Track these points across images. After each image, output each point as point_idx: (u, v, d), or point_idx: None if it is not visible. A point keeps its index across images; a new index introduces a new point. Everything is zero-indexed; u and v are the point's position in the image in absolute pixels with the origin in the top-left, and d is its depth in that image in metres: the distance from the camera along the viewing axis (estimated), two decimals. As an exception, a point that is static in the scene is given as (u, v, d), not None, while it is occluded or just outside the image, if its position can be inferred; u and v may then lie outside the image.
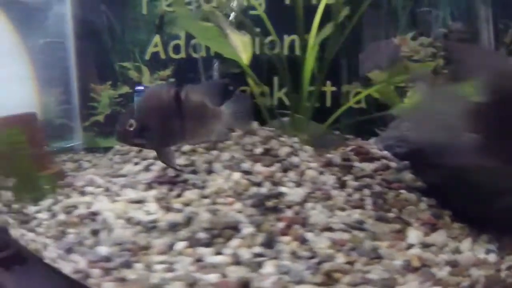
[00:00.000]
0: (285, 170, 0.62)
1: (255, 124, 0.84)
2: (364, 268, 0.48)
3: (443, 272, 0.49)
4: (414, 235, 0.56)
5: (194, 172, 0.65)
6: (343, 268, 0.48)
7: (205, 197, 0.60)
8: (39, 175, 0.81)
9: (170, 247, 0.51)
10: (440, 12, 1.11)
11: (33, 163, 0.95)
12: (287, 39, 1.12)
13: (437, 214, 0.61)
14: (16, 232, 0.64)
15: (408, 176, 0.66)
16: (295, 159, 0.65)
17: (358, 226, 0.55)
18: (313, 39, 0.89)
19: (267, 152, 0.66)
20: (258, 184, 0.59)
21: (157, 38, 1.21)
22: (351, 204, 0.59)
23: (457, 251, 0.55)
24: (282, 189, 0.58)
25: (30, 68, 1.23)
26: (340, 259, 0.49)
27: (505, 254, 0.54)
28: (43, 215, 0.70)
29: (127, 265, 0.49)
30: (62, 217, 0.66)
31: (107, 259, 0.52)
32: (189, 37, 1.19)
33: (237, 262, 0.48)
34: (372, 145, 0.74)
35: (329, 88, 1.07)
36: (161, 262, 0.49)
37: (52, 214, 0.70)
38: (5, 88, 1.12)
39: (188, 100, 0.58)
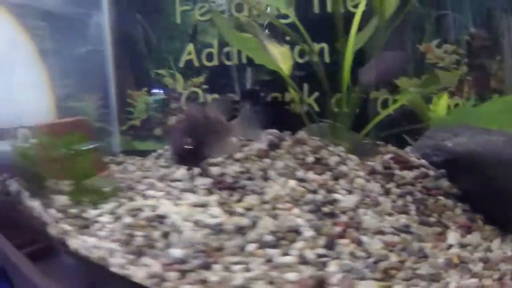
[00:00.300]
0: (336, 178, 0.68)
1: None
2: (414, 266, 0.55)
3: (478, 267, 0.57)
4: (452, 237, 0.63)
5: (250, 179, 0.72)
6: (396, 266, 0.55)
7: (265, 202, 0.66)
8: (99, 178, 0.86)
9: (242, 248, 0.57)
10: (463, 20, 1.18)
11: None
12: (316, 46, 1.17)
13: (471, 218, 0.68)
14: (74, 240, 0.65)
15: (445, 183, 0.73)
16: (344, 168, 0.71)
17: (405, 229, 0.61)
18: (351, 46, 0.93)
19: (318, 161, 0.72)
20: (314, 191, 0.66)
21: (190, 47, 1.27)
22: (397, 210, 0.65)
23: (488, 249, 0.62)
24: (336, 196, 0.64)
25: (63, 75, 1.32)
26: (393, 258, 0.56)
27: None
28: (106, 219, 0.72)
29: (205, 266, 0.54)
30: (127, 220, 0.69)
31: (182, 261, 0.56)
32: (222, 45, 1.26)
33: (304, 262, 0.54)
34: (410, 154, 0.80)
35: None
36: (237, 263, 0.55)
37: (115, 218, 0.72)
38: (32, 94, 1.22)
39: (210, 117, 0.67)
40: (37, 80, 1.20)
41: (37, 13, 1.27)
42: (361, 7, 0.97)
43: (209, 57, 1.26)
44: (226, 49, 1.24)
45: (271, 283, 0.50)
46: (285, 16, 1.16)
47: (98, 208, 0.76)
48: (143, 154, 1.25)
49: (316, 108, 1.16)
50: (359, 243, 0.57)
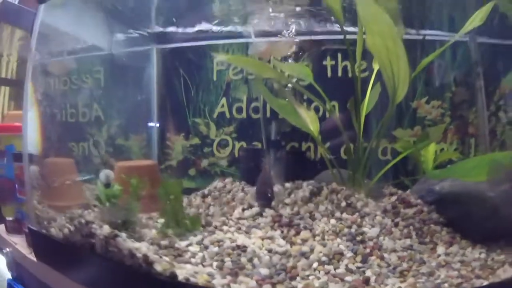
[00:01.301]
0: (362, 217, 1.01)
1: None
2: (418, 268, 0.87)
3: (457, 265, 0.89)
4: (441, 249, 0.95)
5: (301, 218, 1.07)
6: (407, 269, 0.85)
7: (316, 235, 0.98)
8: (185, 215, 1.06)
9: (309, 266, 0.86)
10: (446, 80, 1.58)
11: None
12: (329, 104, 1.53)
13: (452, 236, 1.00)
14: (179, 270, 0.82)
15: (435, 215, 1.07)
16: (366, 209, 1.05)
17: (410, 248, 0.93)
18: (366, 105, 1.26)
19: (348, 205, 1.06)
20: (349, 227, 0.99)
21: (223, 100, 1.63)
22: (403, 236, 1.00)
23: (464, 255, 0.95)
24: (364, 229, 0.99)
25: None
26: (404, 265, 0.87)
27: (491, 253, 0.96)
28: (194, 249, 0.93)
29: (289, 279, 0.82)
30: (215, 249, 0.91)
31: (270, 276, 0.82)
32: (250, 101, 1.61)
33: (350, 271, 0.85)
34: (410, 195, 1.19)
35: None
36: (309, 275, 0.84)
37: (203, 247, 0.94)
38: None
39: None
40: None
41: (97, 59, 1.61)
42: (373, 76, 1.29)
43: (239, 110, 1.61)
44: (253, 104, 1.59)
45: (337, 283, 0.86)
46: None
47: (186, 240, 0.98)
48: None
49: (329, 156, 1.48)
50: (382, 258, 0.89)
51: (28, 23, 1.65)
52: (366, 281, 0.83)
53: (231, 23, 1.55)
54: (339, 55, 1.55)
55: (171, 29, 1.60)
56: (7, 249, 1.34)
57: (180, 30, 1.59)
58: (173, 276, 0.81)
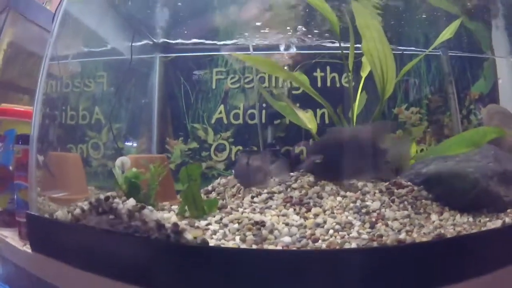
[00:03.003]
0: (363, 194, 1.24)
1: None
2: (419, 231, 1.05)
3: (451, 227, 1.08)
4: (434, 217, 1.12)
5: (310, 198, 1.25)
6: (411, 231, 1.06)
7: (325, 210, 1.19)
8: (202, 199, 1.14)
9: (326, 232, 1.05)
10: (423, 89, 1.85)
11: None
12: (319, 111, 1.78)
13: (442, 208, 1.19)
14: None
15: (424, 193, 1.26)
16: (366, 188, 1.26)
17: (408, 216, 1.12)
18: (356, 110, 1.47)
19: (351, 185, 1.29)
20: (354, 202, 1.21)
21: (221, 107, 1.81)
22: (401, 208, 1.21)
23: (455, 220, 1.13)
24: (367, 203, 1.20)
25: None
26: (408, 228, 1.07)
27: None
28: (214, 227, 1.00)
29: (313, 241, 0.94)
30: (235, 225, 0.98)
31: (293, 243, 0.93)
32: (246, 108, 1.79)
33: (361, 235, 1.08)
34: (400, 179, 1.40)
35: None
36: (327, 239, 1.06)
37: (223, 225, 1.00)
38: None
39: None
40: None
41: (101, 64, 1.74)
42: (362, 82, 1.54)
43: (236, 116, 1.78)
44: (249, 111, 1.78)
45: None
46: (297, 88, 1.81)
47: (205, 219, 1.05)
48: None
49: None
50: (386, 225, 1.04)
51: (35, 16, 1.79)
52: (380, 236, 1.01)
53: (232, 36, 1.74)
54: (328, 68, 1.78)
55: (174, 39, 1.77)
56: (-5, 243, 1.24)
57: (183, 40, 1.76)
58: (205, 242, 0.85)
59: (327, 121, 1.75)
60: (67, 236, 1.02)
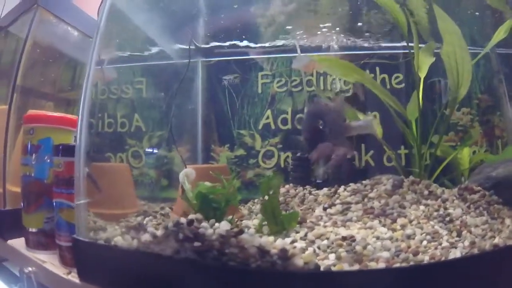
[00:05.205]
0: (443, 201, 1.26)
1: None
2: (499, 235, 1.11)
3: None
4: (508, 221, 1.18)
5: (392, 208, 1.32)
6: (493, 236, 1.10)
7: (411, 221, 1.20)
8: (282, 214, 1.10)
9: (420, 243, 1.03)
10: (473, 88, 1.90)
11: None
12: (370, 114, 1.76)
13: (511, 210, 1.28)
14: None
15: (495, 197, 1.32)
16: (445, 195, 1.28)
17: (487, 222, 1.15)
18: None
19: (430, 193, 1.34)
20: (436, 210, 1.25)
21: (268, 112, 1.83)
22: (477, 214, 1.24)
23: None
24: (449, 211, 1.25)
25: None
26: (489, 234, 1.10)
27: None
28: (301, 244, 0.97)
29: (414, 254, 0.99)
30: (324, 242, 0.98)
31: (392, 258, 0.95)
32: (294, 112, 1.81)
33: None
34: (471, 183, 1.48)
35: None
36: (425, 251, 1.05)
37: (310, 241, 1.00)
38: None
39: None
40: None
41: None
42: (421, 84, 1.56)
43: (284, 121, 1.81)
44: (298, 116, 1.81)
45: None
46: (347, 90, 1.84)
47: (288, 236, 1.03)
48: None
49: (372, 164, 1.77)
50: (470, 232, 1.09)
51: (63, 14, 1.77)
52: (473, 243, 1.08)
53: (276, 37, 1.77)
54: (377, 69, 1.84)
55: (217, 43, 1.79)
56: (29, 269, 1.17)
57: (226, 44, 1.79)
58: (317, 267, 0.82)
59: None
60: (129, 265, 0.92)
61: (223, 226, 0.90)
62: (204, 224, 0.92)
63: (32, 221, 1.32)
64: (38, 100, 2.08)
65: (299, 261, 0.83)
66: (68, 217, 1.20)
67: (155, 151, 1.78)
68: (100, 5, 1.38)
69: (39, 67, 2.05)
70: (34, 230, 1.31)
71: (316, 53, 1.75)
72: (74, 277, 1.03)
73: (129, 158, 1.76)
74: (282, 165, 1.79)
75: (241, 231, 0.86)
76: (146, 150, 1.75)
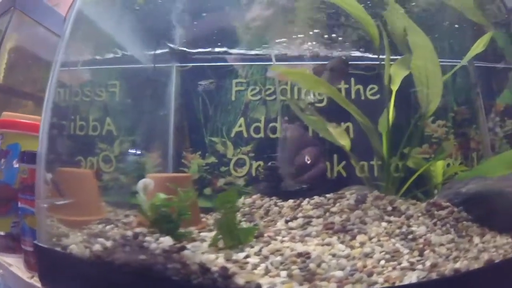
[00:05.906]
0: (407, 218, 1.27)
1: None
2: (466, 255, 1.07)
3: (493, 249, 1.12)
4: (477, 239, 1.17)
5: (352, 224, 1.30)
6: (458, 256, 1.07)
7: (371, 238, 1.18)
8: (238, 227, 1.09)
9: (378, 263, 1.01)
10: (449, 101, 1.86)
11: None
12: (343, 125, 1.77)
13: (482, 229, 1.25)
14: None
15: (464, 214, 1.30)
16: (410, 212, 1.28)
17: (453, 241, 1.13)
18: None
19: (394, 209, 1.33)
20: (399, 227, 1.25)
21: (241, 120, 1.81)
22: (444, 232, 1.21)
23: (495, 242, 1.17)
24: (412, 228, 1.24)
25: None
26: (454, 254, 1.08)
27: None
28: (254, 260, 0.96)
29: (368, 275, 0.95)
30: (277, 258, 0.95)
31: (346, 278, 0.89)
32: (268, 121, 1.80)
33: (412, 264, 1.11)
34: (439, 200, 1.46)
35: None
36: (381, 272, 0.99)
37: (264, 257, 0.97)
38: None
39: None
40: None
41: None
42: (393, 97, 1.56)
43: (257, 130, 1.80)
44: (271, 124, 1.79)
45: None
46: (321, 101, 1.81)
47: (243, 251, 1.02)
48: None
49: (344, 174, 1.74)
50: (434, 251, 1.07)
51: (41, 17, 1.76)
52: (434, 265, 1.06)
53: (252, 46, 1.75)
54: (353, 79, 1.82)
55: (192, 48, 1.78)
56: (-3, 271, 1.17)
57: (201, 50, 1.77)
58: (258, 286, 0.82)
59: (351, 135, 1.76)
60: (85, 273, 0.96)
61: (167, 241, 0.92)
62: (148, 238, 0.94)
63: (1, 225, 1.36)
64: (19, 99, 2.08)
65: (239, 280, 0.83)
66: (32, 223, 1.23)
67: (126, 155, 1.75)
68: (69, 9, 1.36)
69: (19, 68, 2.04)
70: (2, 233, 1.35)
71: (291, 62, 1.74)
72: (36, 282, 1.07)
73: (100, 162, 1.73)
74: (254, 174, 1.76)
75: (183, 247, 0.88)
76: (117, 155, 1.72)
